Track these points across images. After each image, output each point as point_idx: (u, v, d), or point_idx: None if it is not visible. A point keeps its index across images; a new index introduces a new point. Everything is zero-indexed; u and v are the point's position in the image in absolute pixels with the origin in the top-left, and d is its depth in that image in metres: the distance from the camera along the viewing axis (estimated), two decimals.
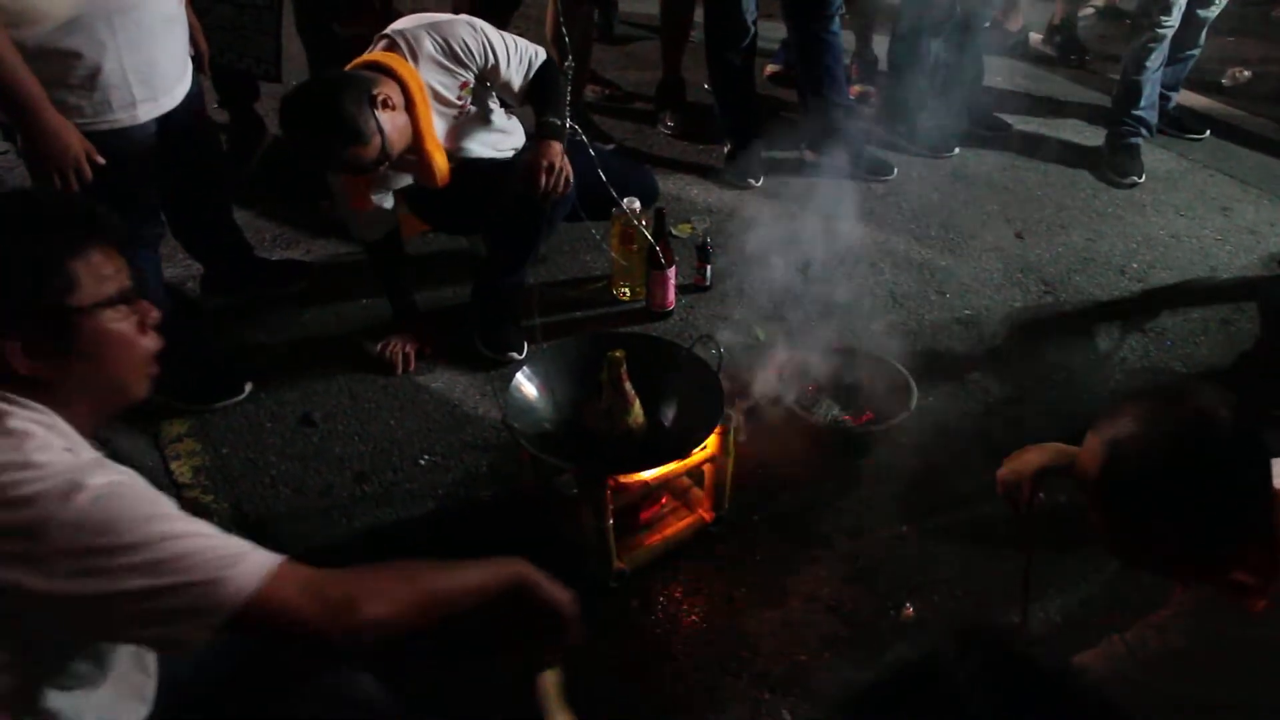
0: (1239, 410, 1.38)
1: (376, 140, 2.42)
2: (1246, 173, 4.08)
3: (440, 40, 2.60)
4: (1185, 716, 1.43)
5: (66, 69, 2.17)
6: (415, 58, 2.58)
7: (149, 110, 2.36)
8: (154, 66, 2.33)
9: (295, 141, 2.50)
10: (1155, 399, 1.42)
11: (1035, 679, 0.90)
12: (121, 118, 2.30)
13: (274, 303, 3.20)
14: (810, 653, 2.11)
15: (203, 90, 2.71)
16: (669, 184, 3.88)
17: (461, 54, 2.62)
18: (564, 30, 3.33)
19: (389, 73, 2.50)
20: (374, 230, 2.82)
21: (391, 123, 2.45)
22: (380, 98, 2.42)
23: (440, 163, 2.62)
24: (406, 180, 2.76)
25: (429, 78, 2.59)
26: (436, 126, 2.62)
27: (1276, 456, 1.49)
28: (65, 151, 2.16)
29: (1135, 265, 3.46)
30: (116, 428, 2.67)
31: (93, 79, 2.21)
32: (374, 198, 2.72)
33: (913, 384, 2.60)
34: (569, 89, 2.85)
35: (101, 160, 2.23)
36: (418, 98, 2.52)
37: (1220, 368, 2.96)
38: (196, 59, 2.65)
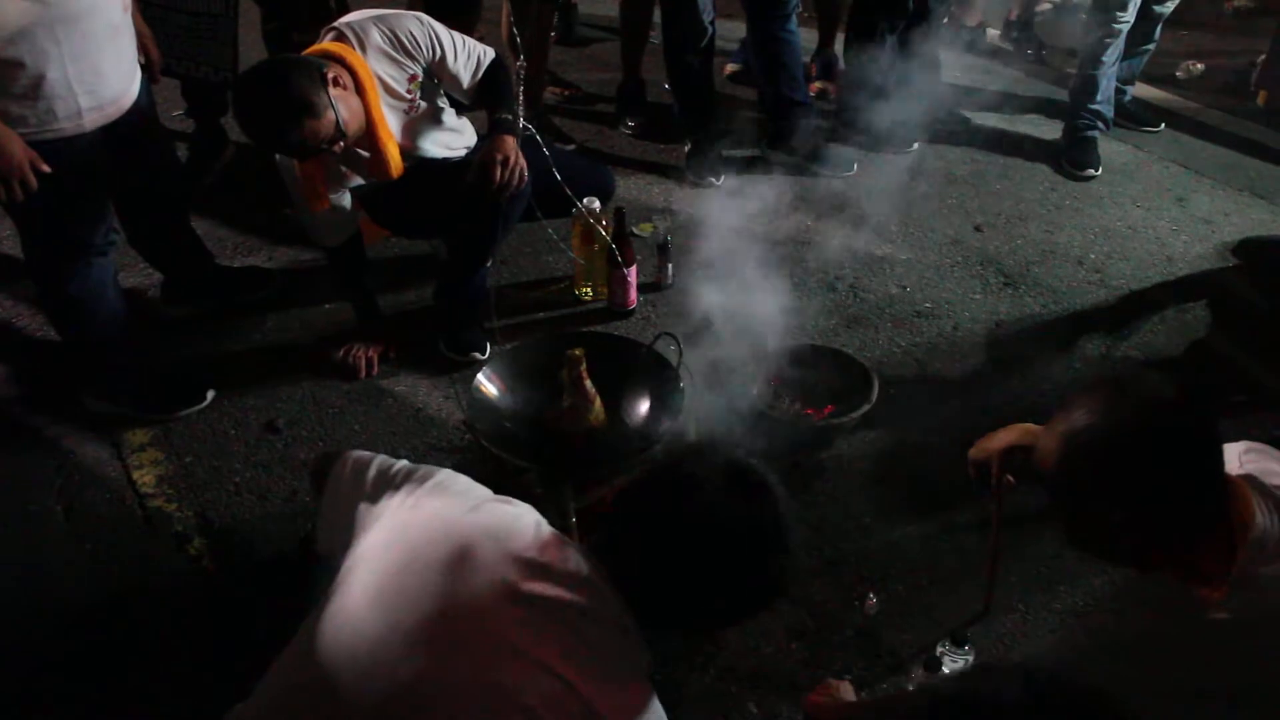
0: (1191, 398, 1.39)
1: (330, 114, 2.39)
2: (1201, 164, 4.14)
3: (387, 32, 2.61)
4: (1145, 701, 1.44)
5: (9, 79, 2.15)
6: (363, 48, 2.58)
7: (95, 119, 2.34)
8: (100, 75, 2.31)
9: (249, 121, 2.47)
10: (1108, 390, 1.43)
11: (1073, 705, 0.90)
12: (67, 127, 2.28)
13: (236, 310, 3.17)
14: (776, 645, 2.13)
15: (153, 97, 2.68)
16: (630, 184, 3.89)
17: (409, 45, 2.63)
18: (514, 29, 3.32)
19: (338, 60, 2.50)
20: (335, 235, 2.81)
21: (344, 101, 2.44)
22: (331, 76, 2.41)
23: (393, 152, 2.61)
24: (361, 179, 2.75)
25: (377, 68, 2.59)
26: (388, 121, 2.62)
27: (1229, 443, 1.52)
28: (9, 162, 2.13)
29: (1093, 256, 3.50)
30: (78, 438, 2.68)
31: (36, 88, 2.19)
32: (331, 197, 2.71)
33: (874, 376, 2.62)
34: (522, 88, 2.85)
35: (47, 169, 2.20)
36: (367, 85, 2.52)
37: (1176, 356, 3.00)
38: (147, 66, 2.63)
